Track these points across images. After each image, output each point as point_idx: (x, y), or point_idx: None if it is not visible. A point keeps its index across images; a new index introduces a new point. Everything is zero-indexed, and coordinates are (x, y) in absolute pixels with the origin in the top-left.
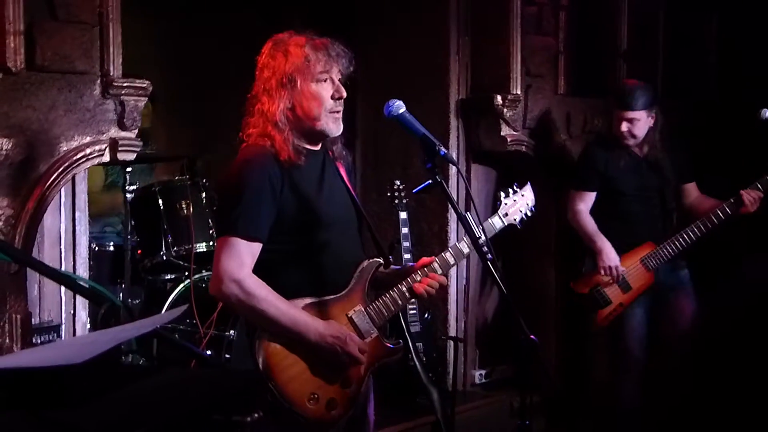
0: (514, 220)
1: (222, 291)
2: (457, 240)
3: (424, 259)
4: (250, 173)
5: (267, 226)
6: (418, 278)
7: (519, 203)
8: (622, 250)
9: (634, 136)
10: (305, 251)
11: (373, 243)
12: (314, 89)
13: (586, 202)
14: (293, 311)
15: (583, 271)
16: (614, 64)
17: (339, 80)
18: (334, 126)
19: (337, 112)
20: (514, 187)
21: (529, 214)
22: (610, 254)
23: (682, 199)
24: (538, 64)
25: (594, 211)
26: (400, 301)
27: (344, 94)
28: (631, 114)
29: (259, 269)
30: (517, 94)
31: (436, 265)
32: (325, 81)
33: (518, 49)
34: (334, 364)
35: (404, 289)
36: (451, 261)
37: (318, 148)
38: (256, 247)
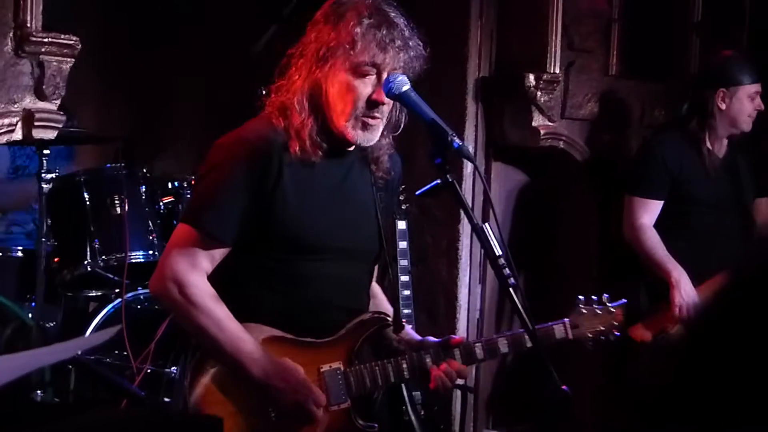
0: (586, 336)
1: (158, 289)
2: (470, 259)
3: (453, 339)
4: (238, 155)
5: (238, 228)
6: (429, 361)
7: (598, 319)
8: (696, 279)
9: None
10: (289, 276)
11: (387, 293)
12: (348, 80)
13: (651, 212)
14: (240, 337)
15: (640, 309)
16: (684, 39)
17: None
18: (362, 134)
19: (372, 118)
20: (603, 298)
21: (603, 338)
22: (688, 288)
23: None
24: (584, 35)
25: (658, 225)
26: (393, 378)
27: (385, 102)
28: (759, 87)
29: (222, 282)
30: (555, 73)
31: (457, 352)
32: (366, 76)
33: (559, 13)
34: (280, 416)
35: (406, 366)
36: (480, 355)
37: (351, 149)
38: (219, 250)
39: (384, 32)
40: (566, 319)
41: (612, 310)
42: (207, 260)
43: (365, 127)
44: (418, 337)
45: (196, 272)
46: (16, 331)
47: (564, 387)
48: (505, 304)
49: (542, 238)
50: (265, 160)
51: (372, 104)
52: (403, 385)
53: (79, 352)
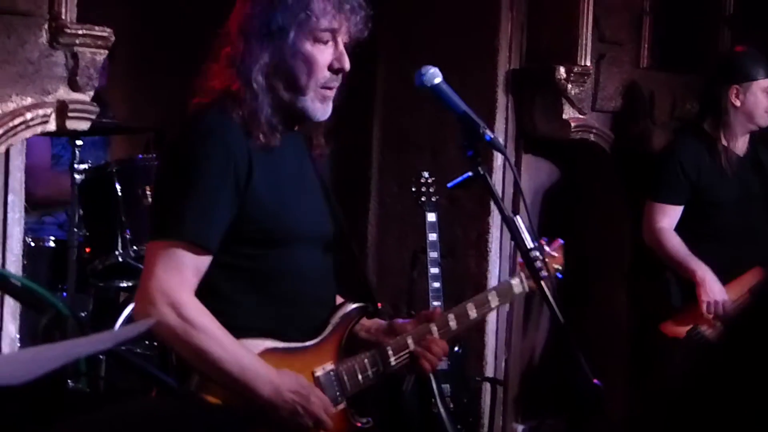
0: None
1: (151, 316)
2: (500, 252)
3: (425, 314)
4: (208, 151)
5: (221, 232)
6: (411, 342)
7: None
8: (721, 278)
9: None
10: (268, 273)
11: (355, 276)
12: (308, 50)
13: (670, 217)
14: (243, 354)
15: (672, 304)
16: (716, 31)
17: (344, 46)
18: (320, 107)
19: (330, 89)
20: (542, 243)
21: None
22: (714, 286)
23: None
24: (615, 27)
25: (680, 228)
26: (382, 368)
27: (347, 67)
28: None
29: (198, 291)
30: (586, 65)
31: (434, 328)
32: (325, 43)
33: (590, 6)
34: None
35: (391, 353)
36: (453, 326)
37: (296, 128)
38: (205, 261)
39: None
40: (522, 273)
41: (554, 254)
42: (194, 275)
43: (323, 99)
44: (384, 321)
45: (187, 290)
46: (52, 321)
47: (595, 381)
48: (534, 297)
49: (572, 232)
50: (237, 154)
51: (335, 73)
52: (432, 377)
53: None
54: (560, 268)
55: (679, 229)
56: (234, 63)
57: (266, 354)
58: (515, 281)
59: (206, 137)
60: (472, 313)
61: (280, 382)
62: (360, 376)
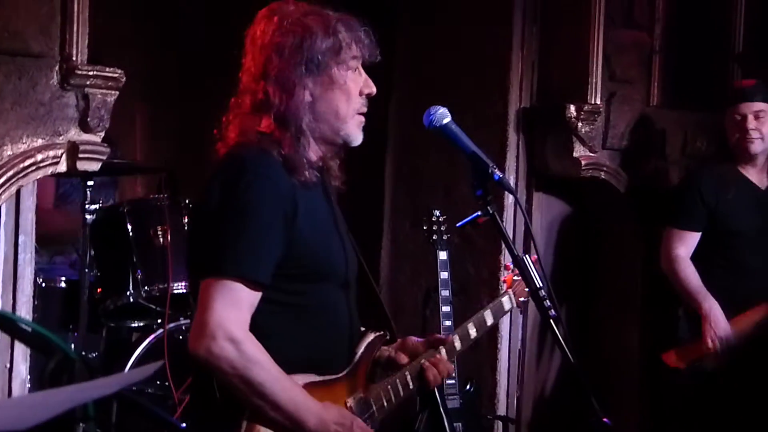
0: (519, 301)
1: (212, 351)
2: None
3: (437, 338)
4: (262, 191)
5: (272, 269)
6: (425, 362)
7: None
8: (731, 311)
9: (762, 137)
10: (306, 308)
11: (373, 305)
12: (345, 79)
13: (687, 244)
14: (295, 389)
15: (679, 336)
16: (725, 69)
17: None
18: (358, 133)
19: (363, 114)
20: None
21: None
22: (720, 320)
23: None
24: (625, 65)
25: (696, 257)
26: (402, 392)
27: (375, 91)
28: (757, 106)
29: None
30: (596, 104)
31: (443, 351)
32: (354, 70)
33: (600, 45)
34: None
35: (409, 376)
36: (458, 346)
37: (321, 163)
38: (258, 297)
39: (353, 24)
40: (509, 291)
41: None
42: (249, 310)
43: (359, 124)
44: (403, 340)
45: (244, 326)
46: (59, 364)
47: (605, 419)
48: (546, 334)
49: (585, 269)
50: (285, 193)
51: (366, 96)
52: (444, 414)
53: (124, 387)
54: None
55: (696, 257)
56: (267, 106)
57: (307, 387)
58: (505, 298)
59: (258, 177)
60: (473, 333)
61: (326, 416)
62: (385, 403)
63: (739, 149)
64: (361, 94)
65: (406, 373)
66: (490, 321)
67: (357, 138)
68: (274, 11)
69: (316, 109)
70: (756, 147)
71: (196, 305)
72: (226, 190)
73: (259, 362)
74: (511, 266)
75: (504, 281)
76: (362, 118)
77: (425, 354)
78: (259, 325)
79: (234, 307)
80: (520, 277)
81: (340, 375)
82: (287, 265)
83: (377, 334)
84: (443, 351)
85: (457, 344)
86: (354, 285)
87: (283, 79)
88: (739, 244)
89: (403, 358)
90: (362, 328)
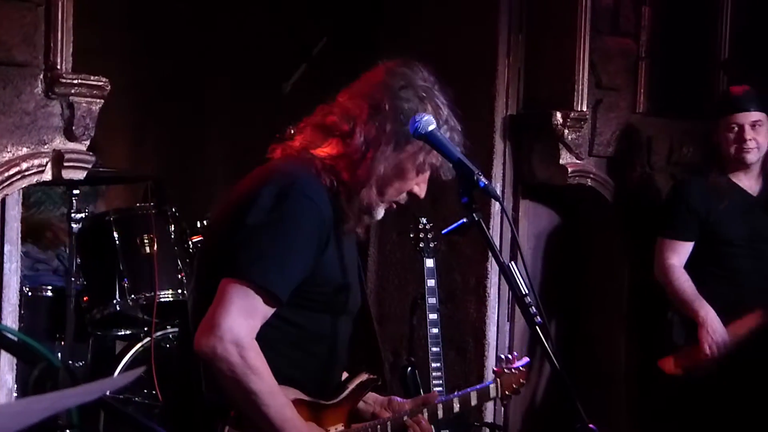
0: (505, 394)
1: (216, 351)
2: (499, 297)
3: (422, 398)
4: (306, 213)
5: (293, 289)
6: (407, 419)
7: (512, 378)
8: (726, 317)
9: (758, 146)
10: (313, 333)
11: (369, 346)
12: (411, 175)
13: (680, 254)
14: (287, 405)
15: (674, 342)
16: (711, 76)
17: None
18: (381, 213)
19: (398, 204)
20: (512, 358)
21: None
22: (715, 326)
23: None
24: (611, 73)
25: (690, 265)
26: None
27: (422, 197)
28: (753, 116)
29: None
30: (582, 111)
31: (426, 413)
32: (424, 172)
33: (586, 52)
34: None
35: (389, 427)
36: (440, 414)
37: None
38: (272, 311)
39: (456, 126)
40: (498, 380)
41: (521, 369)
42: (261, 321)
43: (383, 210)
44: (384, 397)
45: (252, 334)
46: (43, 372)
47: (591, 425)
48: (534, 342)
49: (572, 276)
50: (325, 222)
51: (408, 196)
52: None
53: (107, 393)
54: (522, 383)
55: (690, 266)
56: (347, 142)
57: (295, 403)
58: (492, 386)
59: (306, 198)
60: (456, 407)
61: None
62: None
63: (734, 159)
64: (410, 191)
65: (388, 424)
66: (474, 402)
67: (378, 216)
68: (410, 71)
69: (375, 179)
70: (753, 157)
71: (200, 297)
72: (275, 200)
73: (258, 372)
74: (503, 364)
75: (494, 371)
76: (393, 205)
77: (410, 411)
78: (260, 336)
79: (249, 314)
80: (509, 372)
81: (327, 403)
82: (304, 289)
83: (370, 377)
84: (425, 413)
85: (440, 413)
86: (351, 322)
87: (377, 135)
88: (732, 252)
89: (386, 415)
90: (357, 366)
